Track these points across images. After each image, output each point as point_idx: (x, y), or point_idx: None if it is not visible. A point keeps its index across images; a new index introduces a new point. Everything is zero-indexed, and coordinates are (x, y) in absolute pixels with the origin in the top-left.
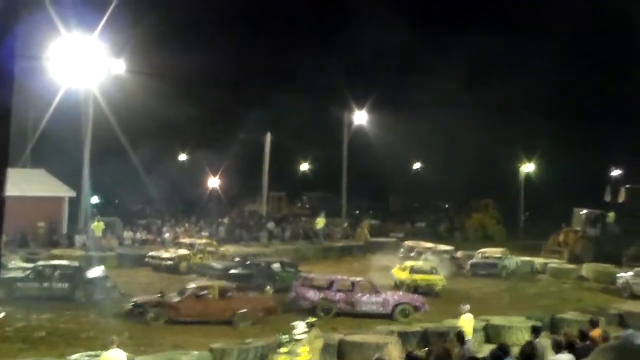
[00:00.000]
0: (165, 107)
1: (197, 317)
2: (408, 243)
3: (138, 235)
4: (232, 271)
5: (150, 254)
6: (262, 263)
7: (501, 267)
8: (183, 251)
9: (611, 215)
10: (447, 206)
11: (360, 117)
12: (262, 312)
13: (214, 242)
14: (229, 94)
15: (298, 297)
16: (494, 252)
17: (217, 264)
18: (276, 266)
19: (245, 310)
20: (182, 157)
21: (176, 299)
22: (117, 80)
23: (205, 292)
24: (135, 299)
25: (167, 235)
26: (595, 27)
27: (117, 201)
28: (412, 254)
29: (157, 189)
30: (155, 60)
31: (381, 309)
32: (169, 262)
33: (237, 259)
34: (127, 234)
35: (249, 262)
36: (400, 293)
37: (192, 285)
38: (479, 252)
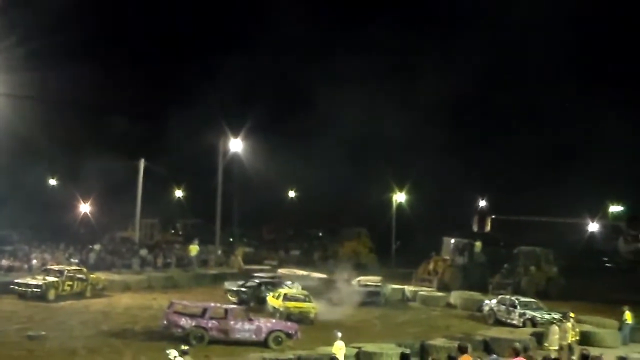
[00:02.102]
0: (34, 131)
1: None
2: (282, 271)
3: (4, 262)
4: (231, 288)
5: (16, 281)
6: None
7: (383, 296)
8: (51, 278)
9: (478, 245)
10: (320, 234)
11: (236, 145)
12: None
13: (84, 269)
14: (102, 119)
15: (170, 324)
16: (373, 280)
17: (230, 283)
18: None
19: None
20: (52, 182)
21: None
22: None
23: None
24: None
25: (34, 261)
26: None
27: None
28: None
29: (24, 214)
30: (26, 83)
31: (254, 336)
32: (36, 290)
33: (256, 280)
34: None
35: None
36: (274, 320)
37: None
38: (358, 280)
